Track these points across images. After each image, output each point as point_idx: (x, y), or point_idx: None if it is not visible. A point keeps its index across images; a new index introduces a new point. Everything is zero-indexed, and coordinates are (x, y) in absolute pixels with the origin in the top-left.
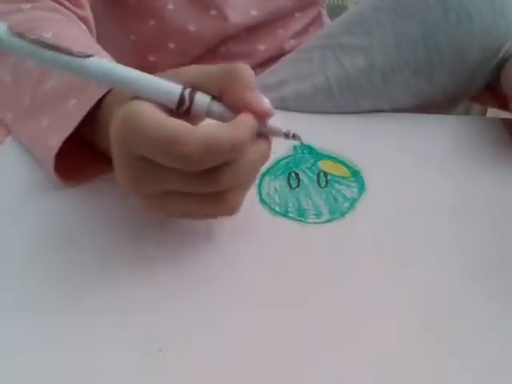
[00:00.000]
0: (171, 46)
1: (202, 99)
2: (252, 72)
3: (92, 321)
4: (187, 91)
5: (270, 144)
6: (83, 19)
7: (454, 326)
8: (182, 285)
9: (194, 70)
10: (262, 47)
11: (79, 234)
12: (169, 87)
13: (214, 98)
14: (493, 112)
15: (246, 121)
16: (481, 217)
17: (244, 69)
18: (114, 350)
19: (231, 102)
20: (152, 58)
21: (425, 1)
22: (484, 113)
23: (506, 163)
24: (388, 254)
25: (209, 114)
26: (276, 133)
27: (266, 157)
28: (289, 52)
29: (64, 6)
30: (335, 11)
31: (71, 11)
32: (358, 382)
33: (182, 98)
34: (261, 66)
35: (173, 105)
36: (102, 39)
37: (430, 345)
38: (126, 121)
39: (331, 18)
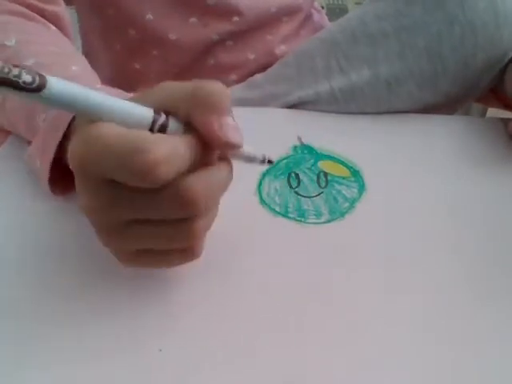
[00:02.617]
0: (155, 53)
1: (174, 128)
2: (225, 91)
3: (91, 321)
4: (161, 119)
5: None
6: (55, 16)
7: (454, 326)
8: (181, 285)
9: (162, 91)
10: (252, 56)
11: (80, 234)
12: (140, 113)
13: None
14: (493, 112)
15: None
16: (480, 217)
17: (213, 88)
18: (113, 350)
19: (198, 127)
20: (137, 66)
21: (429, 12)
22: (484, 113)
23: (505, 163)
24: (388, 254)
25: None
26: (250, 159)
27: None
28: (281, 58)
29: (30, 5)
30: (335, 11)
31: (39, 9)
32: (358, 382)
33: (151, 128)
34: (254, 75)
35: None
36: (88, 49)
37: (430, 345)
38: (85, 140)
39: (331, 18)
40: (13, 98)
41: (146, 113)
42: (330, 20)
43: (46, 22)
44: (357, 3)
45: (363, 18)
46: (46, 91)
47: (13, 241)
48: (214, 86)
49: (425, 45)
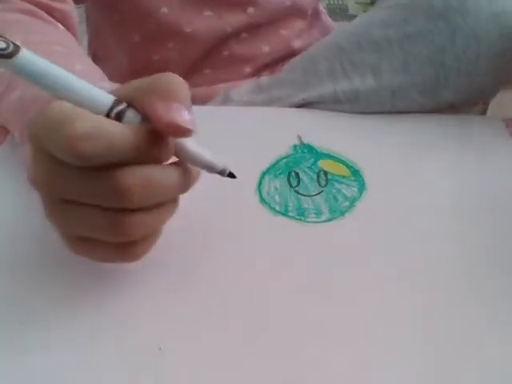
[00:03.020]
0: (171, 45)
1: (132, 118)
2: (180, 82)
3: (92, 320)
4: (119, 107)
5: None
6: (63, 14)
7: (454, 326)
8: (182, 284)
9: (131, 84)
10: (267, 49)
11: None
12: (100, 98)
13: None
14: (493, 111)
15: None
16: (481, 216)
17: (168, 79)
18: (114, 350)
19: (147, 112)
20: (156, 57)
21: (433, 21)
22: (484, 112)
23: (506, 162)
24: (388, 254)
25: None
26: (208, 167)
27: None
28: (298, 51)
29: (39, 3)
30: (335, 11)
31: (48, 7)
32: (358, 382)
33: (108, 115)
34: (268, 67)
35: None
36: (98, 48)
37: (430, 345)
38: (38, 115)
39: (332, 18)
40: (8, 99)
41: (105, 99)
42: (331, 20)
43: (53, 20)
44: (357, 3)
45: (370, 24)
46: (16, 59)
47: (13, 239)
48: (169, 77)
49: (428, 54)
